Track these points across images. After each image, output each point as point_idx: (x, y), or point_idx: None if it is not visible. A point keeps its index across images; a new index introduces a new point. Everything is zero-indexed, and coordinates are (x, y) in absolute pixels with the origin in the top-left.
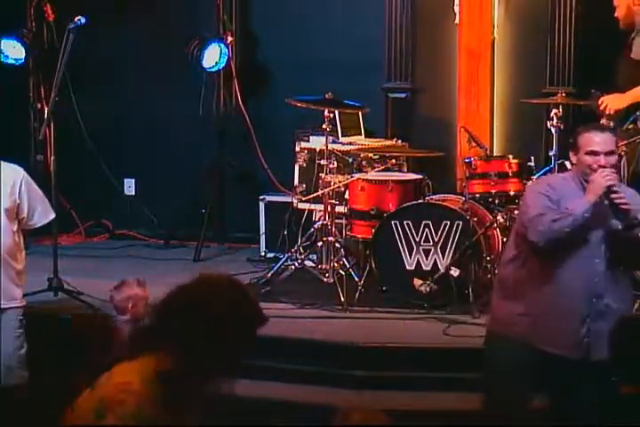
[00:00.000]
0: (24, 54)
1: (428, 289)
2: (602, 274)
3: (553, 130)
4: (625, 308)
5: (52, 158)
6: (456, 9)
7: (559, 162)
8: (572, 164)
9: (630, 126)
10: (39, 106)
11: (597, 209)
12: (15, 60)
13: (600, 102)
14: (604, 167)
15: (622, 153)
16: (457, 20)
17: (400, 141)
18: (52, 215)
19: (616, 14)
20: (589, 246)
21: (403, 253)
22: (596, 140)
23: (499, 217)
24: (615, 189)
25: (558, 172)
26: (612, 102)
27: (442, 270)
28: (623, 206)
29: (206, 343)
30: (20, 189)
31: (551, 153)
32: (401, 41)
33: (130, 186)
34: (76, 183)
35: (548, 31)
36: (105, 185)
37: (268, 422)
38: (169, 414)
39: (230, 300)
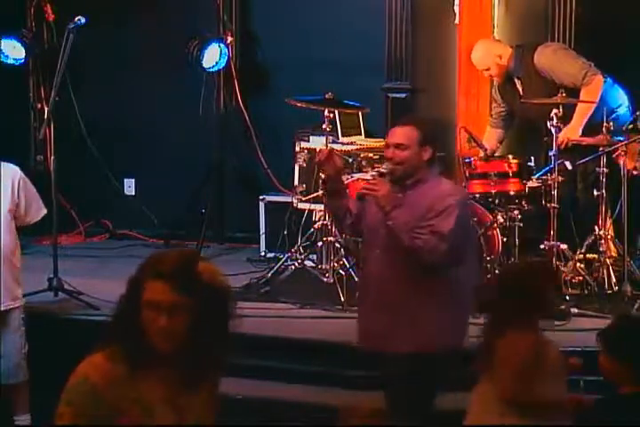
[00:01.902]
0: (24, 54)
1: None
2: (381, 265)
3: (553, 130)
4: (415, 301)
5: (52, 158)
6: (456, 9)
7: (559, 162)
8: None
9: (630, 126)
10: (39, 106)
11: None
12: (15, 60)
13: (560, 142)
14: (390, 159)
15: (622, 153)
16: (457, 20)
17: None
18: (45, 211)
19: (488, 75)
20: (373, 238)
21: None
22: (391, 132)
23: (499, 217)
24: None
25: (558, 172)
26: (569, 134)
27: None
28: (363, 191)
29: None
30: (18, 189)
31: (551, 153)
32: (401, 41)
33: (130, 186)
34: (76, 183)
35: (548, 31)
36: (105, 185)
37: (269, 422)
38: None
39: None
